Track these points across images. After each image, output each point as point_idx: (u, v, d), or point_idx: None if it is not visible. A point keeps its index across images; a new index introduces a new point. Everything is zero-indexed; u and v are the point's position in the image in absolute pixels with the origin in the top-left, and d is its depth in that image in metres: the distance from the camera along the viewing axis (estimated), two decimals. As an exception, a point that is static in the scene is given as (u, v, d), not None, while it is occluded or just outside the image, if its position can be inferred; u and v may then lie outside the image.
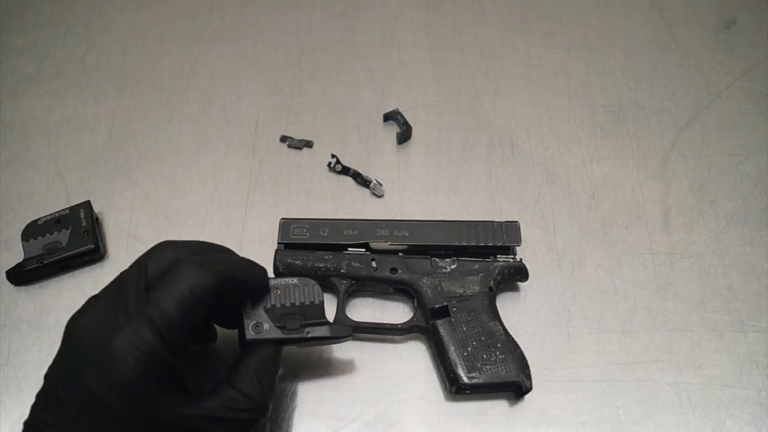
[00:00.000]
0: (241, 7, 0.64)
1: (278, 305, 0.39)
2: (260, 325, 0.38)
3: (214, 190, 0.53)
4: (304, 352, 0.45)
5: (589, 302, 0.48)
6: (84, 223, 0.48)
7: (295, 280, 0.40)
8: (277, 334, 0.38)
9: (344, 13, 0.64)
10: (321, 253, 0.46)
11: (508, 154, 0.55)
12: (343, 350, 0.45)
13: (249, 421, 0.35)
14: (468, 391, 0.42)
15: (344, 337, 0.41)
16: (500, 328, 0.44)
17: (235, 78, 0.59)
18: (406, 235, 0.47)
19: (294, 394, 0.44)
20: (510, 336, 0.44)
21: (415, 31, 0.63)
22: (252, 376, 0.36)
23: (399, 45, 0.61)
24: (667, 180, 0.54)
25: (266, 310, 0.39)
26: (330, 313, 0.44)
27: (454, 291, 0.45)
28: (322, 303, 0.40)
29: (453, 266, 0.46)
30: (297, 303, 0.39)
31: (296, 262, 0.46)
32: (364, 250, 0.47)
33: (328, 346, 0.45)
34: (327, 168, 0.54)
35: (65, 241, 0.48)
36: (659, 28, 0.63)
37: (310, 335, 0.39)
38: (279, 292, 0.40)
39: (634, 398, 0.44)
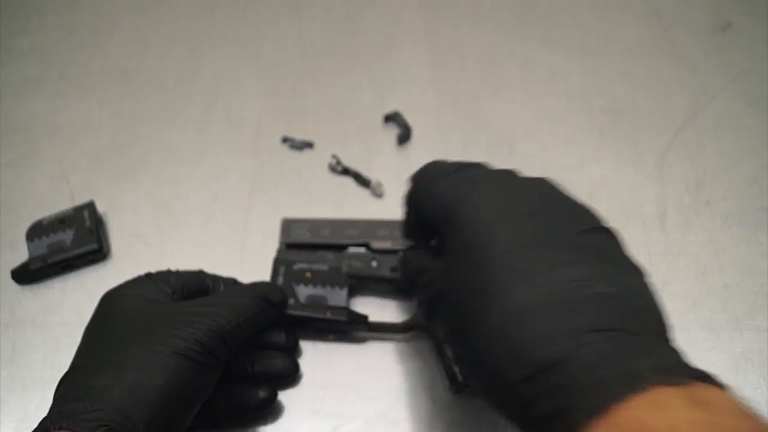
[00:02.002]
0: (243, 11, 0.65)
1: (307, 286, 0.44)
2: (290, 304, 0.43)
3: (217, 191, 0.53)
4: (304, 347, 0.46)
5: (586, 301, 0.48)
6: (88, 224, 0.49)
7: (326, 267, 0.45)
8: (300, 311, 0.43)
9: (345, 16, 0.64)
10: (322, 253, 0.47)
11: (506, 155, 0.56)
12: (343, 349, 0.46)
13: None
14: (469, 390, 0.43)
15: (360, 325, 0.44)
16: (499, 326, 0.44)
17: (237, 80, 0.60)
18: (406, 234, 0.47)
19: (294, 392, 0.44)
20: (508, 334, 0.44)
21: (415, 34, 0.63)
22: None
23: (399, 48, 0.62)
24: (663, 181, 0.54)
25: (296, 288, 0.43)
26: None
27: (454, 290, 0.45)
28: (346, 291, 0.44)
29: (452, 265, 0.47)
30: (324, 287, 0.44)
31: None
32: (364, 249, 0.47)
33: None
34: (328, 168, 0.54)
35: (69, 240, 0.48)
36: (655, 30, 0.63)
37: (329, 317, 0.43)
38: (310, 275, 0.44)
39: (631, 396, 0.44)
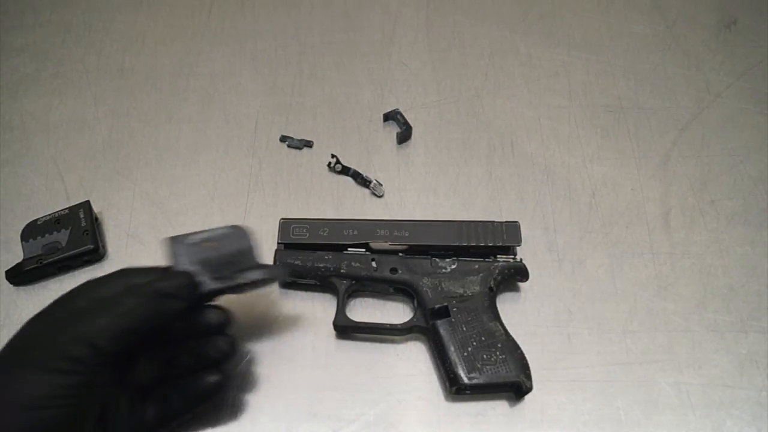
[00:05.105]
0: (241, 8, 0.64)
1: (213, 256, 0.40)
2: (201, 282, 0.39)
3: (214, 190, 0.53)
4: (303, 349, 0.45)
5: (589, 302, 0.48)
6: (83, 223, 0.48)
7: (225, 229, 0.41)
8: (216, 284, 0.39)
9: (344, 13, 0.64)
10: (321, 254, 0.46)
11: (508, 154, 0.55)
12: (342, 351, 0.45)
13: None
14: (468, 392, 0.42)
15: (280, 278, 0.43)
16: (500, 328, 0.44)
17: (235, 78, 0.59)
18: (406, 235, 0.47)
19: (294, 394, 0.43)
20: (510, 336, 0.44)
21: (415, 31, 0.62)
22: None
23: (399, 45, 0.61)
24: (667, 180, 0.54)
25: (202, 264, 0.39)
26: (330, 314, 0.45)
27: (455, 291, 0.45)
28: (251, 248, 0.41)
29: (453, 266, 0.46)
30: (229, 251, 0.40)
31: (296, 262, 0.46)
32: (364, 250, 0.47)
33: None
34: (327, 168, 0.54)
35: (65, 241, 0.48)
36: (660, 28, 0.63)
37: (245, 281, 0.40)
38: (212, 243, 0.40)
39: (634, 398, 0.44)
